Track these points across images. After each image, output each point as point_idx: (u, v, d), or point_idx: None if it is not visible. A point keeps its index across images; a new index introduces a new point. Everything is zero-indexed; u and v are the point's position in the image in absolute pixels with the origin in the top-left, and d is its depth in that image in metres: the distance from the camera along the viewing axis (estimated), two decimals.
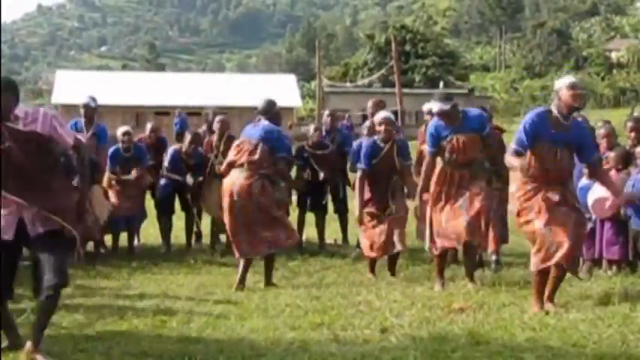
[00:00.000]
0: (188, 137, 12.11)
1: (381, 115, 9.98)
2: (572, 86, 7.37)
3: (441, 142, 8.91)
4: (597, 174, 7.99)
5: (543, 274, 7.38)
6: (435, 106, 8.95)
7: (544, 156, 7.37)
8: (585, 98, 7.65)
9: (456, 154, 8.86)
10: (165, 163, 12.06)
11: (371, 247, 9.82)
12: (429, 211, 9.07)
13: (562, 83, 7.45)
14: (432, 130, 9.02)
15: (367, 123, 11.11)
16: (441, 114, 8.87)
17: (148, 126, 13.08)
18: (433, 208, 8.98)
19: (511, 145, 7.53)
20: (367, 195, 9.91)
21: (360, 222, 9.94)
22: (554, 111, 7.39)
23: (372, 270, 9.99)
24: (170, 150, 12.17)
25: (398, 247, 9.66)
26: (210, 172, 11.83)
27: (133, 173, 11.68)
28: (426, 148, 9.22)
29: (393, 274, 9.85)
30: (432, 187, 9.00)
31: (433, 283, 9.01)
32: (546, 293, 7.45)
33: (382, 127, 9.79)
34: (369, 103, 11.37)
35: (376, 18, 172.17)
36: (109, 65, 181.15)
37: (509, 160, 7.54)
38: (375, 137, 9.92)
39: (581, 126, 7.67)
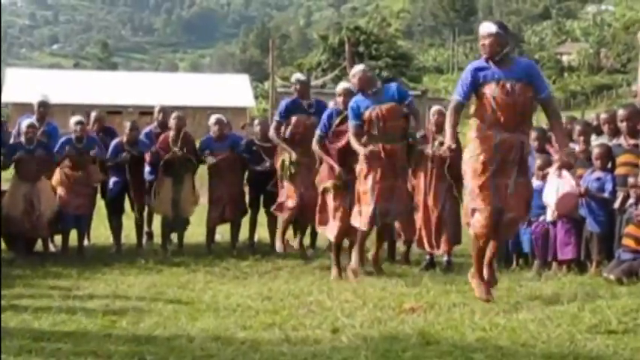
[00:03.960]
0: (128, 125, 12.03)
1: None
2: (480, 36, 7.61)
3: (363, 114, 9.30)
4: (549, 111, 7.79)
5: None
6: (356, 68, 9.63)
7: (497, 94, 7.44)
8: (493, 44, 7.59)
9: (380, 122, 9.19)
10: (107, 155, 11.98)
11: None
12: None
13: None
14: (352, 105, 9.41)
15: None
16: (359, 77, 9.37)
17: (93, 115, 12.91)
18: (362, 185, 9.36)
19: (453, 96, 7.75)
20: None
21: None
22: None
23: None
24: (113, 142, 12.06)
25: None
26: (162, 169, 11.78)
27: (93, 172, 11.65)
28: (350, 124, 9.46)
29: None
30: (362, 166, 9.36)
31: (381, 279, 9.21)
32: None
33: None
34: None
35: (330, 19, 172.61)
36: (61, 64, 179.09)
37: (448, 114, 7.75)
38: None
39: (523, 61, 7.80)
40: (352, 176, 9.57)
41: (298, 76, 11.52)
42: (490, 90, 7.44)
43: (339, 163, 9.73)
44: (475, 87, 7.52)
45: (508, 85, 7.41)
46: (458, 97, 7.58)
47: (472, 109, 7.67)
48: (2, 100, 58.92)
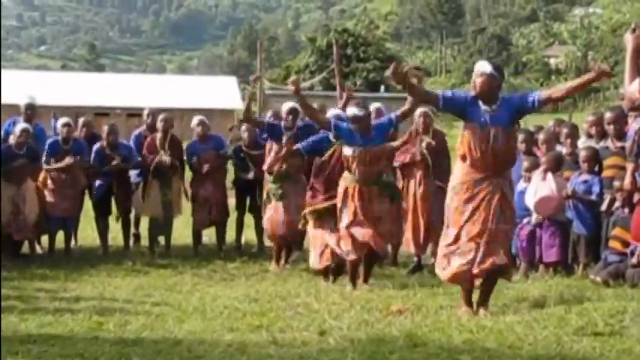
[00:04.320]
0: (105, 129, 12.01)
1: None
2: (474, 73, 7.43)
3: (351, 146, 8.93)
4: (549, 96, 7.45)
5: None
6: (350, 111, 9.01)
7: (480, 138, 7.28)
8: (484, 84, 7.39)
9: (361, 165, 8.87)
10: (92, 161, 11.97)
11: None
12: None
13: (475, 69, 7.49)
14: (345, 127, 9.02)
15: None
16: (354, 120, 8.90)
17: (80, 121, 12.91)
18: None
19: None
20: None
21: None
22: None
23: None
24: (94, 147, 12.04)
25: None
26: (151, 171, 11.78)
27: (67, 160, 11.52)
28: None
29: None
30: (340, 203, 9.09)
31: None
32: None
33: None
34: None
35: (318, 21, 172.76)
36: (48, 65, 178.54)
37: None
38: None
39: (507, 100, 7.44)
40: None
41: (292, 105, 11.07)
42: (473, 132, 7.34)
43: (325, 189, 9.55)
44: (462, 110, 7.44)
45: (492, 133, 7.25)
46: (443, 93, 7.54)
47: (458, 144, 7.57)
48: None
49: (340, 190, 9.00)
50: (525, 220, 9.97)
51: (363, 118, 8.91)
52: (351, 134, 8.92)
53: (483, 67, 7.40)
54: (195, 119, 12.25)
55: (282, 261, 10.89)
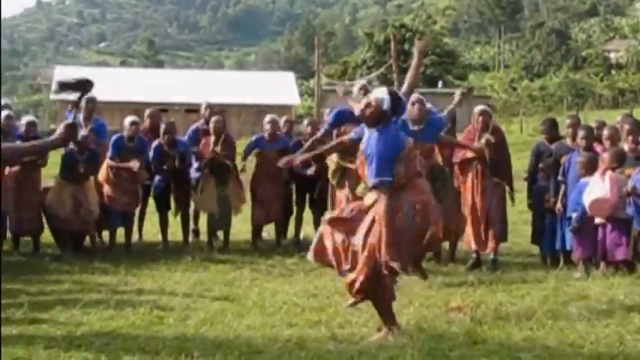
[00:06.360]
0: (162, 128, 12.11)
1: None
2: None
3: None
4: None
5: None
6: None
7: None
8: (375, 111, 6.75)
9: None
10: (150, 158, 12.08)
11: None
12: None
13: None
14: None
15: None
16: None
17: (146, 113, 13.06)
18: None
19: None
20: None
21: None
22: None
23: None
24: (153, 144, 12.14)
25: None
26: (208, 170, 11.87)
27: (132, 163, 11.63)
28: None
29: None
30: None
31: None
32: None
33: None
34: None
35: (375, 16, 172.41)
36: (108, 61, 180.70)
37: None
38: None
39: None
40: None
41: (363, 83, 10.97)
42: None
43: None
44: None
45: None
46: None
47: None
48: (50, 97, 59.51)
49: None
50: (576, 215, 9.79)
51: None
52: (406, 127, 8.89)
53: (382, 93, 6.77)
54: (268, 117, 12.47)
55: None
